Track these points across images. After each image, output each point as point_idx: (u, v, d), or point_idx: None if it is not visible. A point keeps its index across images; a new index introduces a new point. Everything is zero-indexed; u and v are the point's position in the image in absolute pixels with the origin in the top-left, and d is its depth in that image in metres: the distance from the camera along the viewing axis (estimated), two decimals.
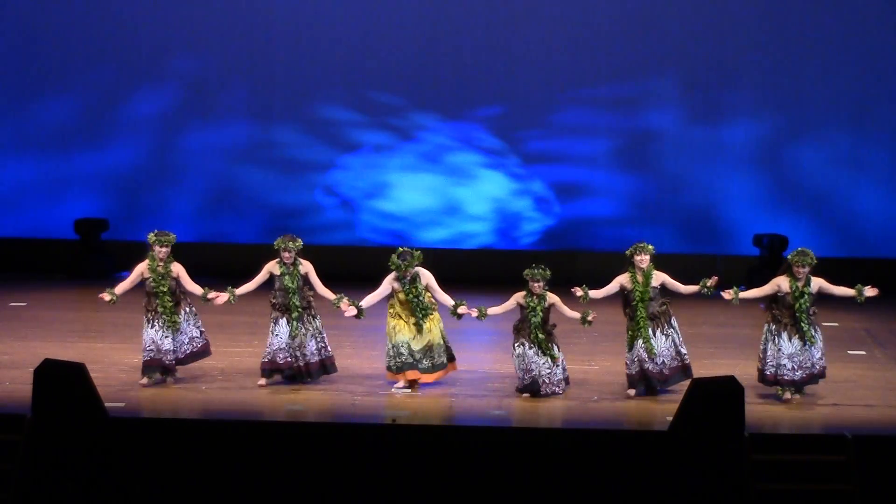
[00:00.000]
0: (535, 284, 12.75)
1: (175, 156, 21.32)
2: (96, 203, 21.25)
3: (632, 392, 12.83)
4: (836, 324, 16.90)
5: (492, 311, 12.87)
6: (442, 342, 13.02)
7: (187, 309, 13.17)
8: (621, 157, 21.09)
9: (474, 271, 19.75)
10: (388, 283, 13.03)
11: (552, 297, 12.82)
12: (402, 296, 12.96)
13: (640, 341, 12.76)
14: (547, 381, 12.73)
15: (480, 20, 21.05)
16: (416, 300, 12.89)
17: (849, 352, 15.36)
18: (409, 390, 12.93)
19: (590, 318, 12.78)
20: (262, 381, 13.06)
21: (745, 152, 20.98)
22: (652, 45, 20.89)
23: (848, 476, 10.89)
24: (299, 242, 13.12)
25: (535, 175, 21.13)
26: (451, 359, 13.15)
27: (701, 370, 12.90)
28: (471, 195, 21.17)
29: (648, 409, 12.52)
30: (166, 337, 12.99)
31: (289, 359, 13.05)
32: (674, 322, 12.91)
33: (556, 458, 11.09)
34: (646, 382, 12.81)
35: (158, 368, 13.06)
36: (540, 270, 12.76)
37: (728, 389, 11.01)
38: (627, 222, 20.77)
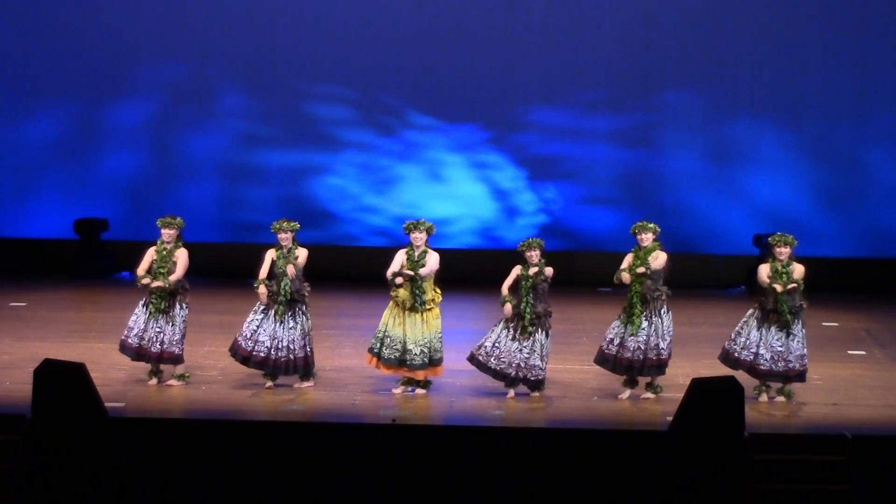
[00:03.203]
0: (531, 254, 12.65)
1: (174, 157, 21.33)
2: (96, 204, 21.25)
3: (624, 395, 12.85)
4: (836, 324, 16.92)
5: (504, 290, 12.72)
6: (437, 342, 12.73)
7: (182, 305, 13.05)
8: (619, 157, 21.10)
9: (468, 271, 19.73)
10: (398, 256, 12.78)
11: (549, 270, 12.67)
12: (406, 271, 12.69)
13: (625, 324, 12.74)
14: (523, 364, 12.56)
15: (479, 22, 21.06)
16: (415, 281, 12.60)
17: (849, 352, 15.37)
18: (412, 392, 12.87)
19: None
20: (269, 384, 12.93)
21: (745, 152, 20.98)
22: (650, 46, 20.90)
23: (848, 476, 10.90)
24: (295, 225, 13.03)
25: (533, 176, 21.14)
26: (438, 362, 12.80)
27: (701, 370, 12.88)
28: (467, 195, 21.18)
29: (648, 409, 12.52)
30: (155, 325, 12.90)
31: (257, 350, 12.84)
32: (663, 315, 12.81)
33: (556, 458, 11.09)
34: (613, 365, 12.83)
35: (132, 354, 12.95)
36: (535, 240, 12.72)
37: (728, 389, 11.01)
38: (626, 222, 20.73)
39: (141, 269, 13.05)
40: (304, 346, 12.91)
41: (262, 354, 12.85)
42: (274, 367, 12.89)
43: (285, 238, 12.96)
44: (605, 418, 12.27)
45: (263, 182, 21.30)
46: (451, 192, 21.21)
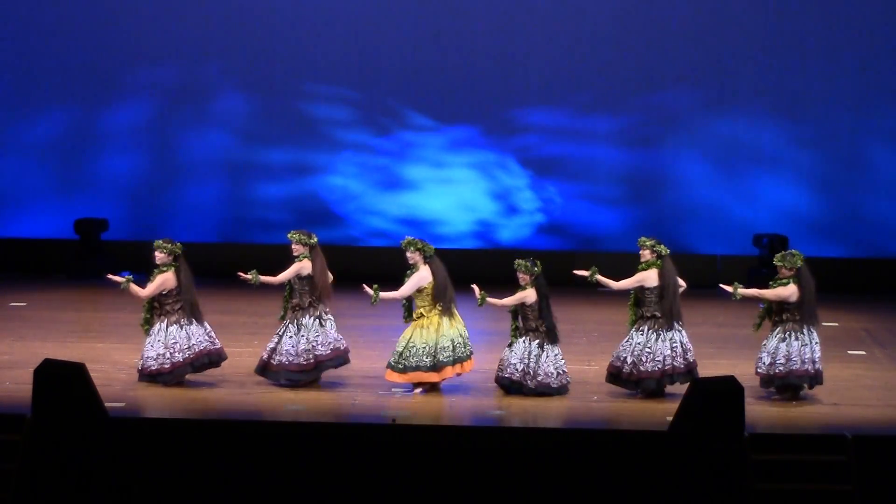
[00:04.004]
0: (518, 276, 12.89)
1: (174, 158, 21.33)
2: (96, 204, 21.25)
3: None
4: (836, 324, 16.91)
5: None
6: (404, 349, 12.90)
7: (161, 325, 13.05)
8: (619, 156, 21.09)
9: (468, 271, 19.66)
10: None
11: (524, 293, 12.82)
12: None
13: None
14: (505, 365, 12.84)
15: (479, 22, 21.05)
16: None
17: (849, 352, 15.36)
18: (409, 391, 12.93)
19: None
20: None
21: (746, 151, 20.97)
22: (650, 45, 20.89)
23: (848, 476, 10.89)
24: (307, 238, 13.13)
25: (532, 176, 21.14)
26: (399, 368, 12.92)
27: (701, 370, 12.91)
28: (467, 196, 21.18)
29: (648, 409, 12.52)
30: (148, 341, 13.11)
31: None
32: (646, 333, 12.87)
33: (556, 458, 11.09)
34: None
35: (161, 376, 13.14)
36: (524, 263, 12.86)
37: (728, 389, 11.01)
38: (626, 222, 20.77)
39: None
40: (288, 352, 13.01)
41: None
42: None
43: (295, 249, 13.07)
44: (605, 418, 12.28)
45: (262, 182, 21.29)
46: (451, 193, 21.21)
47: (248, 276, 13.06)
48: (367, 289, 12.89)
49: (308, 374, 13.04)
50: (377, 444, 11.16)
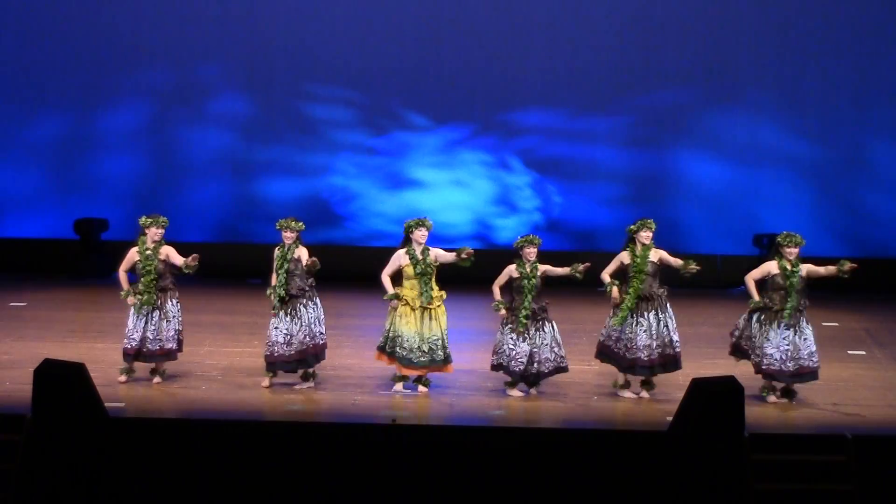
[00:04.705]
0: (529, 251, 12.75)
1: (174, 158, 21.33)
2: (96, 204, 21.25)
3: (626, 385, 12.89)
4: (836, 324, 16.91)
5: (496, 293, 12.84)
6: (443, 339, 12.82)
7: (173, 301, 13.11)
8: (619, 156, 21.09)
9: (467, 271, 19.67)
10: (397, 258, 12.91)
11: (543, 266, 12.78)
12: (410, 270, 12.80)
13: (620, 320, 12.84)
14: (532, 358, 12.70)
15: (479, 22, 21.06)
16: (424, 277, 12.74)
17: (849, 352, 15.36)
18: (414, 391, 12.90)
19: (581, 268, 12.70)
20: (266, 382, 12.99)
21: (746, 151, 20.98)
22: (650, 45, 20.89)
23: (848, 476, 10.89)
24: (300, 225, 13.07)
25: (533, 176, 21.14)
26: (448, 360, 12.89)
27: (701, 370, 12.89)
28: (467, 196, 21.18)
29: (648, 409, 12.53)
30: (146, 323, 13.00)
31: (283, 352, 12.90)
32: (669, 310, 12.87)
33: (556, 458, 11.09)
34: (609, 358, 12.94)
35: (133, 357, 13.02)
36: (533, 238, 12.79)
37: (728, 389, 11.01)
38: (626, 221, 20.73)
39: (124, 269, 13.12)
40: (303, 340, 12.92)
41: (274, 352, 12.91)
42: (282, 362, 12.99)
43: (289, 237, 13.00)
44: (605, 418, 12.28)
45: (262, 182, 21.30)
46: (451, 193, 21.21)
47: (312, 261, 12.87)
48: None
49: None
50: (377, 444, 11.16)
